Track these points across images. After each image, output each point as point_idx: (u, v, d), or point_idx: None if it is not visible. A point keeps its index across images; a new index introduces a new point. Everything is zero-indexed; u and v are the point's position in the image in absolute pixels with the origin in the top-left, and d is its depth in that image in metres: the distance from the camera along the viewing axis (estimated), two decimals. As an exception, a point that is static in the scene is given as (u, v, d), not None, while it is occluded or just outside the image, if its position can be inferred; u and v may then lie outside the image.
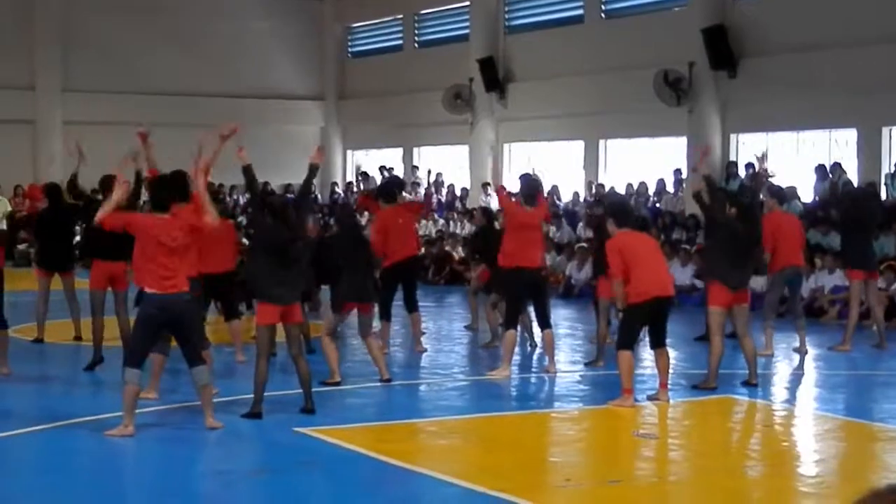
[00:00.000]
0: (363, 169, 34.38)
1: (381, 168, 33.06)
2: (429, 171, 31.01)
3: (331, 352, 12.05)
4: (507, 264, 12.73)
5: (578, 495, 8.19)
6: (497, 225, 15.69)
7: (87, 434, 9.60)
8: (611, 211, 11.77)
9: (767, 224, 13.86)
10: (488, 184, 24.65)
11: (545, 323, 12.97)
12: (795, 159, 23.84)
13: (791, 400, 12.44)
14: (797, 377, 13.64)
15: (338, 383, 11.91)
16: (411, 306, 14.44)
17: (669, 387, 11.62)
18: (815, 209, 21.51)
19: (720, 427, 10.87)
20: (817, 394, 12.70)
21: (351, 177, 35.71)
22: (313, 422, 10.15)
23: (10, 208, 29.63)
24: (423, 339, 14.93)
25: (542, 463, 9.30)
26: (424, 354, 14.51)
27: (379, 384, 12.33)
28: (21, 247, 28.40)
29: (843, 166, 22.20)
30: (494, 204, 18.50)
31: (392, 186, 15.07)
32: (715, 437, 10.38)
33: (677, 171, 25.33)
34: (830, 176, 22.06)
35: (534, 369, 13.59)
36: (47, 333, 14.92)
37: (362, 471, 8.74)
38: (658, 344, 11.38)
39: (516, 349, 13.31)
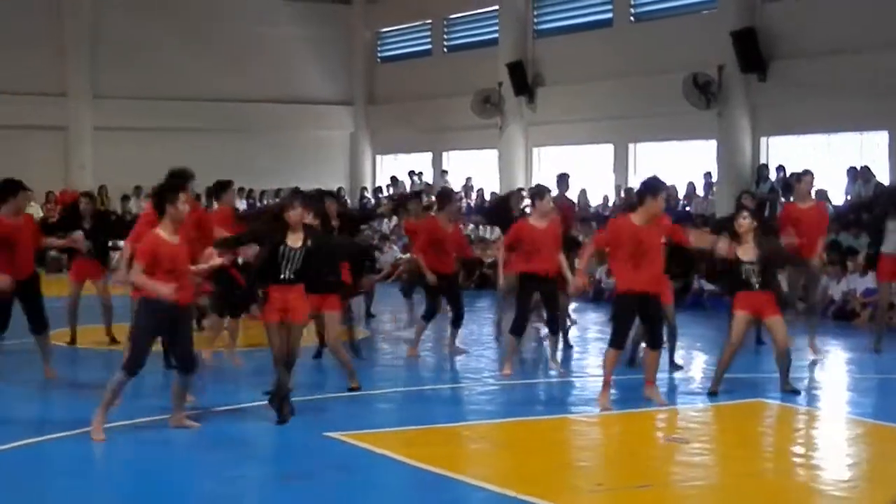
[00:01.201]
0: (394, 175, 34.37)
1: (411, 173, 33.12)
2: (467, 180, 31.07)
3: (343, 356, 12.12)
4: (516, 270, 13.06)
5: (609, 500, 8.16)
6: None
7: (120, 438, 9.63)
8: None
9: (783, 215, 14.12)
10: (523, 188, 24.61)
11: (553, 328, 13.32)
12: (826, 162, 23.70)
13: (820, 403, 12.35)
14: (822, 380, 13.56)
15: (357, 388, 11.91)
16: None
17: (700, 389, 11.58)
18: (847, 212, 21.37)
19: (751, 431, 10.81)
20: (849, 397, 12.62)
21: (380, 181, 35.74)
22: (343, 426, 10.15)
23: (41, 214, 29.82)
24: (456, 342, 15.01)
25: (572, 467, 9.27)
26: (456, 358, 14.53)
27: (409, 389, 12.36)
28: (52, 253, 28.54)
29: (873, 169, 22.06)
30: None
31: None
32: (746, 441, 10.32)
33: (707, 175, 25.25)
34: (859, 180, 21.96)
35: (569, 373, 13.53)
36: (80, 337, 15.05)
37: (392, 476, 8.74)
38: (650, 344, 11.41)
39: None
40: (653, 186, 11.16)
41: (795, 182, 14.87)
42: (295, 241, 10.29)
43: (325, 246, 10.73)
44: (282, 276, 10.29)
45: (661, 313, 11.42)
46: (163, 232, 9.61)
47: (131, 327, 10.39)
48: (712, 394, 11.79)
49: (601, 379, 11.33)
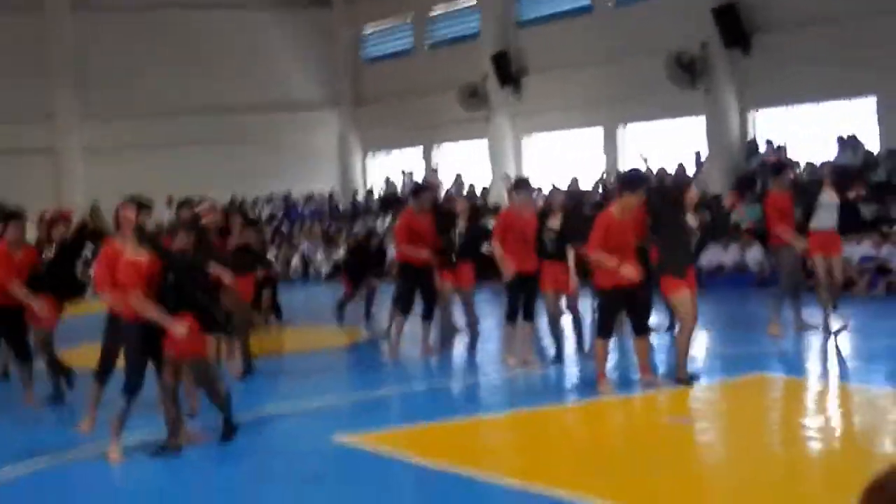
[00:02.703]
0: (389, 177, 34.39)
1: (402, 172, 33.17)
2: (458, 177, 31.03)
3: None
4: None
5: (621, 484, 8.20)
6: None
7: (132, 456, 9.67)
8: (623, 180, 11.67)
9: (770, 204, 14.13)
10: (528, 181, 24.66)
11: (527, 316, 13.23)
12: (815, 132, 23.77)
13: (821, 373, 12.42)
14: (823, 351, 13.62)
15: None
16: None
17: (703, 367, 11.64)
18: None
19: (755, 405, 10.86)
20: (852, 366, 12.68)
21: (371, 182, 35.76)
22: (353, 427, 10.21)
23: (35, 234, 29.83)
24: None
25: (581, 454, 9.32)
26: (457, 354, 14.59)
27: (412, 388, 12.44)
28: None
29: (861, 137, 22.13)
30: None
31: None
32: (750, 416, 10.38)
33: (697, 153, 25.27)
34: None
35: (567, 361, 13.58)
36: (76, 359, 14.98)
37: (405, 475, 8.79)
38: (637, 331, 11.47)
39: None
40: (629, 181, 11.31)
41: (775, 176, 14.79)
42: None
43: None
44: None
45: (646, 302, 11.45)
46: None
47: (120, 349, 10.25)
48: (681, 381, 11.38)
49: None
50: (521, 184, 13.68)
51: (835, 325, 14.19)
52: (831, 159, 22.24)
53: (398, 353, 14.33)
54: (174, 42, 33.53)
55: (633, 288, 11.08)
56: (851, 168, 20.10)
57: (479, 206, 17.70)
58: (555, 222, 13.29)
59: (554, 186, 15.69)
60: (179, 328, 9.34)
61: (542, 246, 13.08)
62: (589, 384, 11.74)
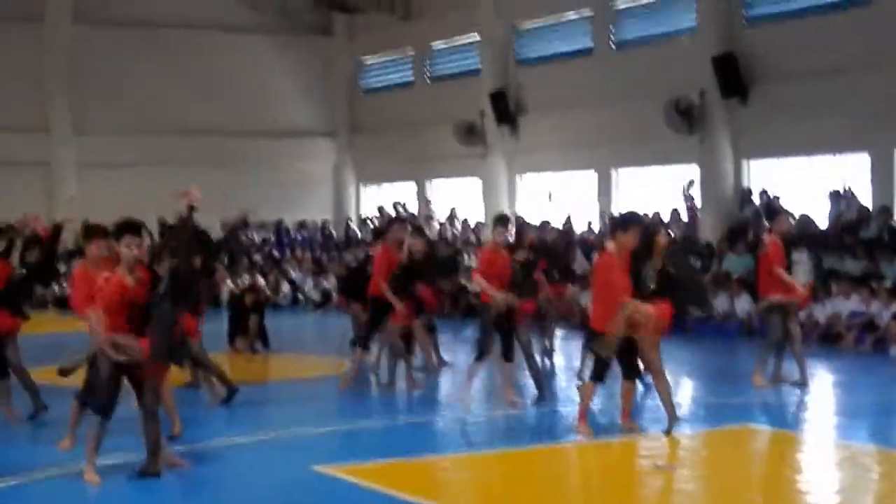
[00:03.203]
0: (380, 205, 34.35)
1: (395, 204, 33.14)
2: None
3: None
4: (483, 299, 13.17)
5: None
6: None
7: (109, 478, 9.58)
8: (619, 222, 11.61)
9: (772, 254, 14.00)
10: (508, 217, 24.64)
11: (507, 355, 13.10)
12: (808, 184, 23.84)
13: (806, 427, 12.38)
14: (809, 405, 13.60)
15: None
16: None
17: (687, 415, 11.61)
18: (830, 235, 21.48)
19: (739, 457, 10.82)
20: (836, 422, 12.64)
21: (365, 212, 35.75)
22: (333, 459, 10.15)
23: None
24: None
25: (560, 497, 9.27)
26: (441, 390, 14.53)
27: (400, 421, 12.38)
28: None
29: (853, 191, 22.20)
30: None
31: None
32: (734, 467, 10.34)
33: (690, 199, 25.30)
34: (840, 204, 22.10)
35: (554, 402, 13.54)
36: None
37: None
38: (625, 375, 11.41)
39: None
40: (622, 221, 11.34)
41: (771, 223, 14.76)
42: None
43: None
44: None
45: (635, 347, 11.30)
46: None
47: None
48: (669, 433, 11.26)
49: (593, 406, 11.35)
50: (501, 220, 13.54)
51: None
52: (826, 212, 22.35)
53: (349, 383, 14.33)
54: (173, 61, 33.51)
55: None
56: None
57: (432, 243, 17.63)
58: (522, 255, 13.33)
59: (523, 222, 15.62)
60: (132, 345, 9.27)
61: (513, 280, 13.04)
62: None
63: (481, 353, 13.02)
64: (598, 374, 11.24)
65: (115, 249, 9.69)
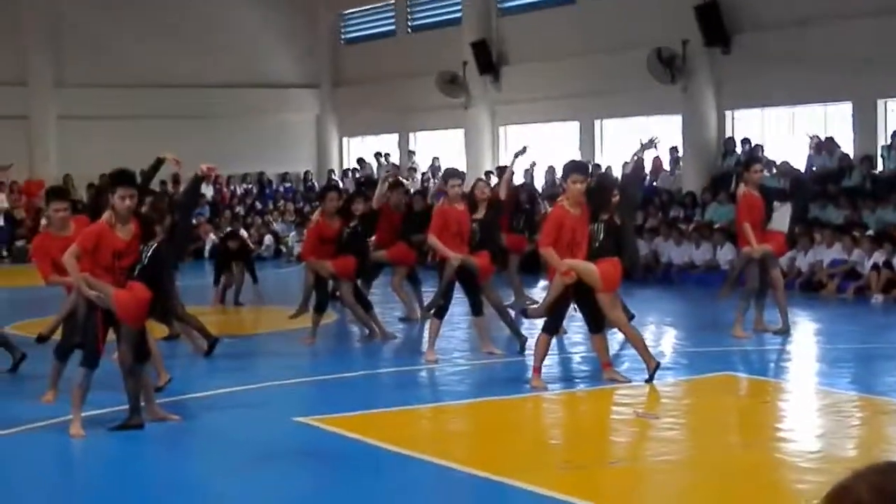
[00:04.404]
0: (361, 157, 34.27)
1: (377, 155, 33.06)
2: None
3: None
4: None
5: (579, 477, 8.17)
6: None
7: (93, 431, 9.55)
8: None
9: (743, 202, 13.98)
10: (491, 172, 24.57)
11: (475, 310, 13.03)
12: (791, 134, 23.85)
13: (787, 375, 12.42)
14: (791, 353, 13.63)
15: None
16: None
17: (670, 364, 11.62)
18: (813, 184, 21.48)
19: (721, 405, 10.86)
20: (818, 369, 12.69)
21: (347, 164, 35.67)
22: (313, 411, 10.16)
23: (6, 205, 29.65)
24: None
25: (542, 445, 9.29)
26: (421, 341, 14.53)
27: (380, 372, 12.37)
28: (19, 243, 28.41)
29: (837, 140, 22.21)
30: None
31: None
32: (715, 415, 10.38)
33: (673, 150, 25.32)
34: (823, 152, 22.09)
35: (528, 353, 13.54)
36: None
37: (363, 458, 8.73)
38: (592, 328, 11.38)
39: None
40: (563, 170, 11.23)
41: (744, 170, 14.55)
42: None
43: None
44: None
45: (595, 299, 11.23)
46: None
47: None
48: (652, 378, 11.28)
49: (571, 359, 11.35)
50: (454, 174, 13.35)
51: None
52: (807, 161, 22.36)
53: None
54: (154, 13, 33.23)
55: (583, 284, 10.97)
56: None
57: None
58: (479, 214, 13.24)
59: (479, 179, 15.36)
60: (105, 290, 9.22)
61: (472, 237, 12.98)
62: (558, 375, 11.73)
63: (438, 311, 12.87)
64: (549, 327, 11.21)
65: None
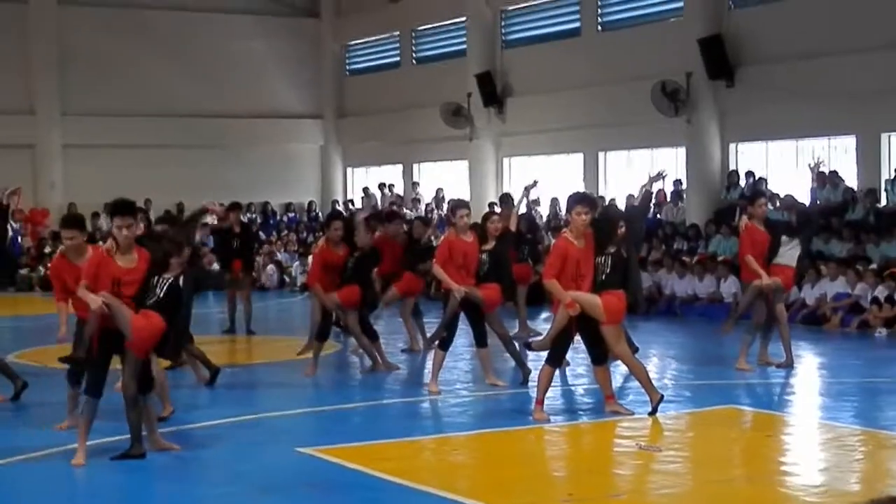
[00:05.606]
0: (366, 186, 34.33)
1: (381, 185, 33.11)
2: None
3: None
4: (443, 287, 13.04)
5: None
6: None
7: (95, 461, 9.54)
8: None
9: (746, 236, 14.00)
10: (495, 203, 24.60)
11: (479, 342, 13.01)
12: (795, 168, 23.86)
13: (791, 409, 12.38)
14: (794, 387, 13.59)
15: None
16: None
17: (673, 396, 11.58)
18: (818, 217, 21.47)
19: (724, 438, 10.82)
20: (821, 403, 12.65)
21: (351, 194, 35.72)
22: (315, 441, 10.13)
23: (11, 232, 29.66)
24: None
25: (545, 478, 9.25)
26: (424, 372, 14.49)
27: (383, 403, 12.35)
28: (23, 271, 28.41)
29: (841, 174, 22.22)
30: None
31: None
32: (718, 448, 10.34)
33: (677, 182, 25.36)
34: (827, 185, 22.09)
35: (531, 384, 13.51)
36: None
37: (366, 490, 8.70)
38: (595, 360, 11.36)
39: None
40: (568, 202, 11.18)
41: (749, 205, 14.57)
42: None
43: None
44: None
45: (599, 331, 11.21)
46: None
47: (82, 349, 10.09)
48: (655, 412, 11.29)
49: (577, 388, 11.32)
50: (460, 205, 13.28)
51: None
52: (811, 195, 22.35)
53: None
54: (160, 43, 33.40)
55: (587, 316, 10.95)
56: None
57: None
58: (489, 244, 13.24)
59: (492, 213, 15.34)
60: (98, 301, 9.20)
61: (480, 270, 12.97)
62: (561, 407, 11.69)
63: (441, 342, 12.87)
64: (553, 359, 11.19)
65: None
